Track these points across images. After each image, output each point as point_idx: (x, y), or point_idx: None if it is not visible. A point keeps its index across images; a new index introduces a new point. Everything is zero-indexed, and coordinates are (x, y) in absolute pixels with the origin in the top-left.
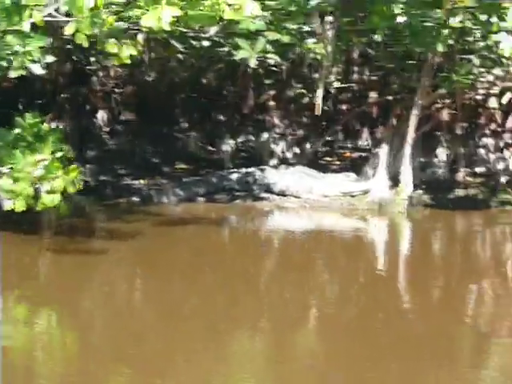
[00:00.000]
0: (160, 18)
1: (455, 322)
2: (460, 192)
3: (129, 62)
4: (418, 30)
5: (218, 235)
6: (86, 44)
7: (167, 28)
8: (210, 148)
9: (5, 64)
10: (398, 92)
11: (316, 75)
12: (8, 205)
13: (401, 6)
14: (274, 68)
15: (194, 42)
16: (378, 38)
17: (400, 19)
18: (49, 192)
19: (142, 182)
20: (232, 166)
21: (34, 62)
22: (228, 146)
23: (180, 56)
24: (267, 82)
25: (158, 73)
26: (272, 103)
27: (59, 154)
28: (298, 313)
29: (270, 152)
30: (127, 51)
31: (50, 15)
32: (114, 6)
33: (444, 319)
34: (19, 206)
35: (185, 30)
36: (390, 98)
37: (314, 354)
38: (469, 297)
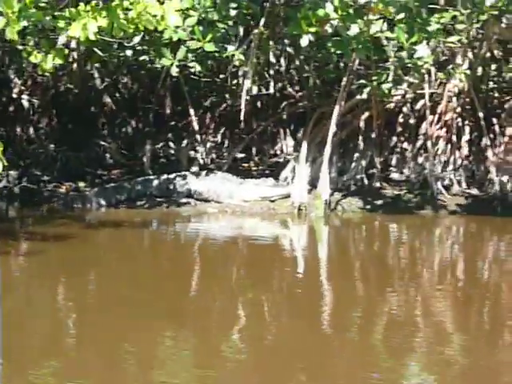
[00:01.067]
0: (86, 28)
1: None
2: (376, 196)
3: (51, 71)
4: (342, 38)
5: (139, 239)
6: (15, 38)
7: (93, 38)
8: (129, 154)
9: None
10: (315, 99)
11: (234, 82)
12: None
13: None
14: (193, 76)
15: (116, 51)
16: (303, 43)
17: (327, 26)
18: None
19: (63, 188)
20: (152, 173)
21: None
22: (147, 152)
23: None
24: (186, 88)
25: (78, 81)
26: (191, 110)
27: None
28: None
29: (189, 158)
30: (51, 62)
31: None
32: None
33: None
34: None
35: (108, 39)
36: (308, 104)
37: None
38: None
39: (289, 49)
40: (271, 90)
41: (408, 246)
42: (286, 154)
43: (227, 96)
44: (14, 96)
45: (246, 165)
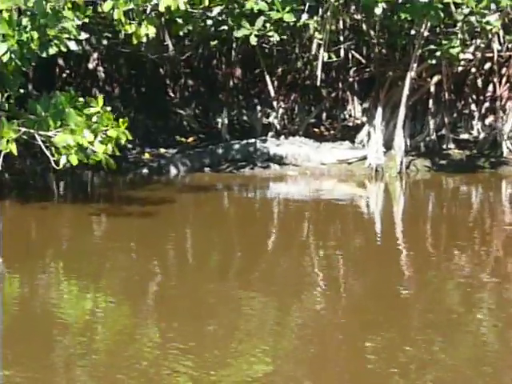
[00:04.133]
0: None
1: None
2: (446, 157)
3: (144, 40)
4: (414, 5)
5: (228, 201)
6: (123, 19)
7: (183, 7)
8: (205, 121)
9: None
10: (386, 64)
11: (305, 49)
12: (62, 161)
13: None
14: (265, 45)
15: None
16: (377, 11)
17: None
18: (102, 142)
19: (147, 155)
20: (228, 139)
21: (69, 39)
22: (224, 119)
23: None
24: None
25: (155, 50)
26: (267, 77)
27: (109, 108)
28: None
29: (262, 124)
30: (144, 30)
31: None
32: None
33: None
34: (73, 159)
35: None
36: (377, 69)
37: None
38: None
39: (358, 16)
40: (341, 56)
41: (482, 204)
42: (355, 119)
43: (299, 64)
44: (90, 67)
45: (316, 130)
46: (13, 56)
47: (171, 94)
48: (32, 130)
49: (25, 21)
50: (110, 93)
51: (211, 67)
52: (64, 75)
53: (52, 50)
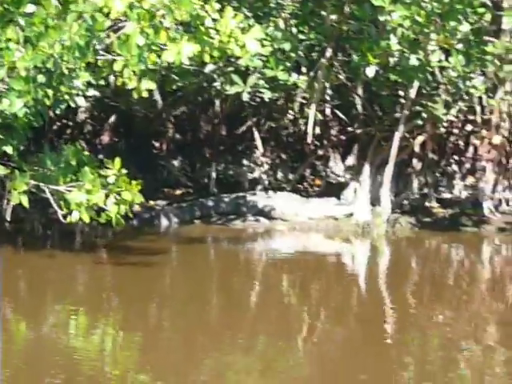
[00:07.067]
0: (180, 52)
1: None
2: (430, 215)
3: (146, 95)
4: (406, 67)
5: (219, 254)
6: (134, 77)
7: (186, 62)
8: (192, 175)
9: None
10: (369, 123)
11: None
12: (74, 217)
13: (395, 44)
14: (252, 102)
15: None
16: (369, 73)
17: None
18: (116, 203)
19: (136, 207)
20: (216, 192)
21: (78, 95)
22: (212, 173)
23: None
24: (245, 113)
25: (145, 104)
26: (256, 132)
27: (125, 171)
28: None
29: (248, 179)
30: (145, 85)
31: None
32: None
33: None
34: (86, 217)
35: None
36: (365, 128)
37: None
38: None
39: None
40: (328, 115)
41: (466, 263)
42: (337, 176)
43: (286, 120)
44: (79, 121)
45: (300, 185)
46: (28, 111)
47: (158, 147)
48: (42, 184)
49: (40, 77)
50: (97, 144)
51: (197, 122)
52: (54, 127)
53: (63, 106)
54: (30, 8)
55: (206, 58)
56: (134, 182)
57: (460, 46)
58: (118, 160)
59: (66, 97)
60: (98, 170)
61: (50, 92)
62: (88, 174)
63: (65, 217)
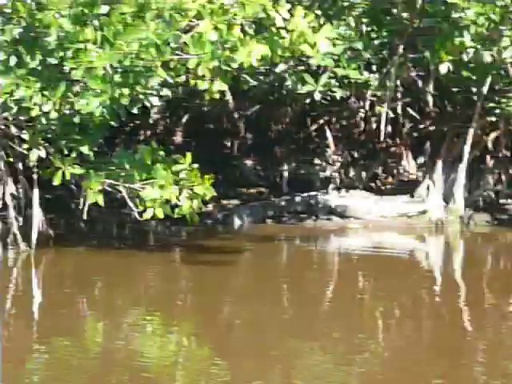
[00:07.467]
0: (250, 53)
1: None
2: (504, 212)
3: (217, 96)
4: (479, 64)
5: (297, 253)
6: (209, 75)
7: (255, 64)
8: (263, 175)
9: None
10: (442, 120)
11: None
12: (148, 214)
13: (469, 41)
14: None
15: (262, 77)
16: (442, 70)
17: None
18: (188, 198)
19: (210, 206)
20: (288, 191)
21: (152, 94)
22: (285, 172)
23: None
24: (316, 112)
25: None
26: (328, 132)
27: (196, 165)
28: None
29: (320, 177)
30: (217, 86)
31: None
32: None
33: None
34: (160, 213)
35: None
36: (437, 125)
37: None
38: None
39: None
40: (399, 112)
41: None
42: (410, 173)
43: (357, 119)
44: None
45: (373, 184)
46: (104, 111)
47: (230, 147)
48: (118, 183)
49: (116, 77)
50: (170, 145)
51: (269, 121)
52: (127, 128)
53: (138, 106)
54: (103, 9)
55: (276, 59)
56: (206, 177)
57: None
58: (188, 155)
59: (141, 96)
60: (170, 167)
61: (127, 91)
62: (161, 171)
63: (140, 214)
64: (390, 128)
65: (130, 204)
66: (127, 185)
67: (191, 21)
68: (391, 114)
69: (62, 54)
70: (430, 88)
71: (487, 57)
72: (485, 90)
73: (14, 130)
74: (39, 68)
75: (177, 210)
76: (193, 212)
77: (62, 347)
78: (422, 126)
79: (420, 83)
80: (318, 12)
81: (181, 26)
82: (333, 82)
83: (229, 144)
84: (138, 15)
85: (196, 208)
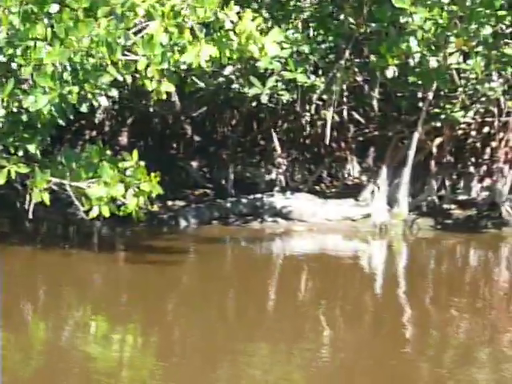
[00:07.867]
0: (199, 54)
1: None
2: (447, 217)
3: (164, 97)
4: (426, 69)
5: (242, 254)
6: (158, 77)
7: (204, 65)
8: (209, 176)
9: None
10: (386, 125)
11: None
12: (94, 212)
13: (415, 46)
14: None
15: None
16: (389, 74)
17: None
18: (135, 195)
19: (154, 207)
20: (234, 194)
21: (100, 94)
22: (230, 174)
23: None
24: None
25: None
26: (274, 134)
27: (143, 163)
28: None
29: (265, 180)
30: (165, 87)
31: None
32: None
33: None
34: (106, 211)
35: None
36: (381, 130)
37: None
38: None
39: (358, 78)
40: (345, 117)
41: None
42: (354, 177)
43: (303, 122)
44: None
45: (317, 187)
46: (52, 109)
47: (176, 149)
48: (64, 181)
49: (66, 75)
50: (115, 145)
51: (215, 123)
52: (73, 127)
53: (86, 105)
54: (54, 8)
55: (225, 61)
56: (152, 174)
57: (479, 49)
58: (135, 152)
59: (90, 96)
60: (117, 165)
61: (75, 89)
62: (107, 169)
63: (86, 213)
64: (335, 132)
65: (77, 202)
66: (73, 183)
67: (140, 21)
68: (337, 118)
69: (11, 51)
70: (376, 93)
71: (433, 62)
72: (430, 95)
73: None
74: None
75: (123, 208)
76: (139, 210)
77: None
78: (366, 131)
79: (366, 88)
80: (267, 15)
81: (132, 25)
82: (280, 85)
83: (175, 145)
84: (89, 13)
85: (142, 205)
